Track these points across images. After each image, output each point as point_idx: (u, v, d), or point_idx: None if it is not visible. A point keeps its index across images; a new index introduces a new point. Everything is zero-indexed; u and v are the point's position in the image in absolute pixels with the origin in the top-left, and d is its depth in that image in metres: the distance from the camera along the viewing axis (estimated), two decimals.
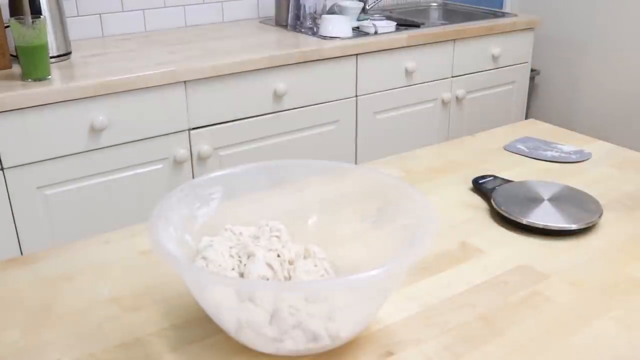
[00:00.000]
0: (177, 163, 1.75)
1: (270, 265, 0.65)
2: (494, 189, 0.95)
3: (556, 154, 1.12)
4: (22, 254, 1.61)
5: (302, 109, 1.93)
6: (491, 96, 2.45)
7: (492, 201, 0.92)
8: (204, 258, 0.66)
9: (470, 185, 1.00)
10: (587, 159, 1.10)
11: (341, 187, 0.76)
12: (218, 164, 1.83)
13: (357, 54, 2.00)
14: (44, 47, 1.58)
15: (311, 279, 0.65)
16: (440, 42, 2.21)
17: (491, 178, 0.99)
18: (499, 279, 0.75)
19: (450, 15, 2.71)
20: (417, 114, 2.25)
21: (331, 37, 2.00)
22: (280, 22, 2.21)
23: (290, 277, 0.66)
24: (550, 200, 0.91)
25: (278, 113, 1.89)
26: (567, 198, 0.92)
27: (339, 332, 0.60)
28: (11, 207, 1.57)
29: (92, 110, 1.60)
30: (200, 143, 1.76)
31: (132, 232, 0.88)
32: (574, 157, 1.11)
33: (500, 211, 0.89)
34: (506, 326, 0.67)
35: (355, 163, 2.09)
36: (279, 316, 0.58)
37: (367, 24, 2.14)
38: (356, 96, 2.07)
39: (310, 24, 2.12)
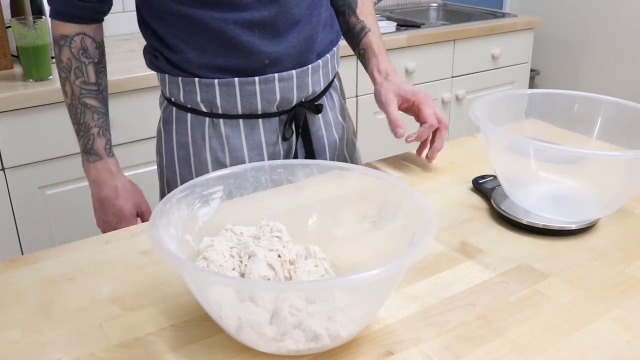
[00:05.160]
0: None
1: (271, 266, 0.65)
2: (494, 189, 0.95)
3: None
4: (22, 253, 1.61)
5: None
6: None
7: (492, 201, 0.92)
8: (205, 258, 0.66)
9: (470, 185, 1.00)
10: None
11: (341, 187, 0.76)
12: None
13: None
14: (45, 48, 1.59)
15: (312, 279, 0.65)
16: (440, 42, 2.21)
17: (491, 178, 0.99)
18: (499, 279, 0.75)
19: (450, 15, 2.71)
20: None
21: None
22: None
23: (290, 277, 0.66)
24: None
25: None
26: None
27: (339, 331, 0.60)
28: (12, 206, 1.57)
29: None
30: None
31: (132, 232, 0.88)
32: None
33: (500, 211, 0.89)
34: (506, 326, 0.67)
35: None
36: (280, 316, 0.58)
37: None
38: (356, 96, 2.07)
39: None
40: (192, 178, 1.04)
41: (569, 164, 0.86)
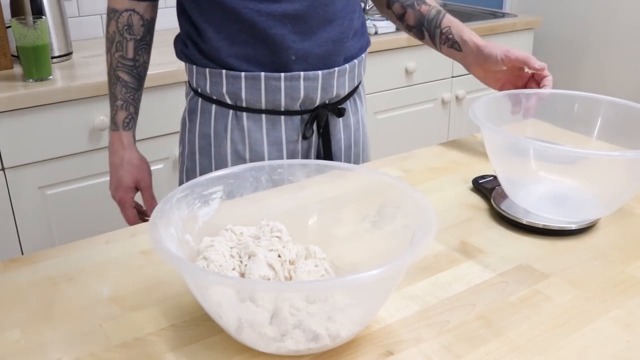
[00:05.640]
0: (178, 163, 1.75)
1: (271, 266, 0.65)
2: (494, 188, 0.95)
3: None
4: (22, 253, 1.61)
5: None
6: None
7: (492, 201, 0.92)
8: (205, 258, 0.66)
9: (470, 185, 1.00)
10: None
11: (341, 187, 0.76)
12: None
13: None
14: (45, 48, 1.59)
15: (312, 279, 0.65)
16: None
17: (491, 178, 0.99)
18: (499, 279, 0.75)
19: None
20: (417, 114, 2.26)
21: None
22: None
23: (290, 277, 0.66)
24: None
25: None
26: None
27: (339, 331, 0.60)
28: (12, 207, 1.57)
29: (93, 111, 1.60)
30: None
31: (132, 232, 0.88)
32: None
33: (500, 211, 0.89)
34: (506, 326, 0.67)
35: None
36: (280, 316, 0.58)
37: (368, 25, 2.14)
38: None
39: None
40: (211, 169, 1.06)
41: (569, 164, 0.86)
